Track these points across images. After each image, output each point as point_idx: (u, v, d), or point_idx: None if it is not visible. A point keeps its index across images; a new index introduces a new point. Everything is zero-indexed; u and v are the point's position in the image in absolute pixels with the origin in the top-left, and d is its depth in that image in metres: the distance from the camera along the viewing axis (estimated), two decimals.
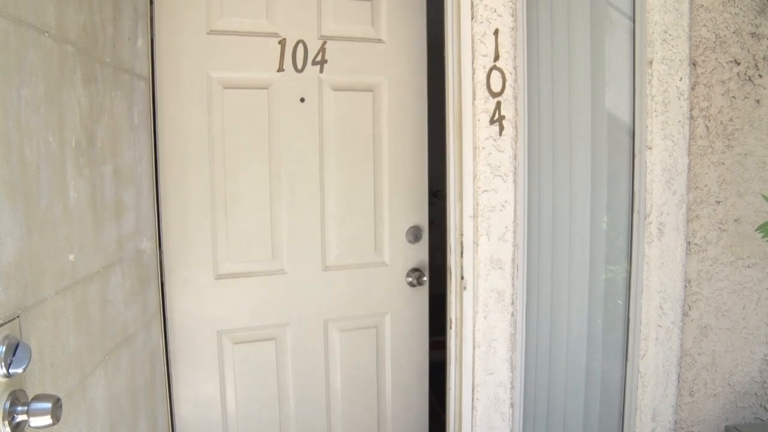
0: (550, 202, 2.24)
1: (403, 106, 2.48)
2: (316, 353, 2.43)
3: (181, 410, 2.23)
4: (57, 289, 1.19)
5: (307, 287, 2.39)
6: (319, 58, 2.34)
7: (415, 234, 2.53)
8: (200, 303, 2.23)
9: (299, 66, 2.31)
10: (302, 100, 2.32)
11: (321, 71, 2.34)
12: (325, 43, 2.35)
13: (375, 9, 2.42)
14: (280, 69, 2.28)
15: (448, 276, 2.15)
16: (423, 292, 2.59)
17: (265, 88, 2.27)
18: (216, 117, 2.20)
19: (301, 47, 2.31)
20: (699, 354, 2.23)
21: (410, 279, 2.53)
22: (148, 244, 1.88)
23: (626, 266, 2.25)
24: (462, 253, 2.08)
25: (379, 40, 2.43)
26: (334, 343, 2.46)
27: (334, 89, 2.37)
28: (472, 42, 2.02)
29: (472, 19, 2.01)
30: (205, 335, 2.24)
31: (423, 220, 2.56)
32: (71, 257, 1.27)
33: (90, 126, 1.41)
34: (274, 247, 2.32)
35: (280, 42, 2.28)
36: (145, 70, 1.87)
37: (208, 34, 2.18)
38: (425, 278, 2.55)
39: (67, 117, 1.28)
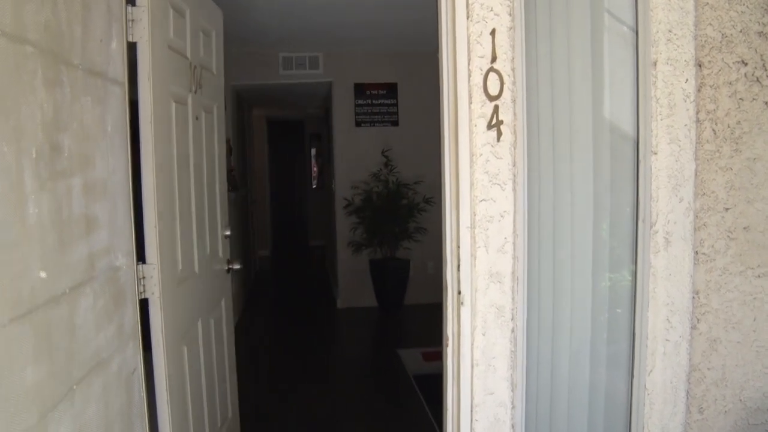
0: (551, 211, 2.13)
1: (220, 126, 2.95)
2: (207, 340, 2.69)
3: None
4: (12, 316, 1.07)
5: (203, 284, 2.64)
6: (200, 83, 2.62)
7: (229, 230, 3.05)
8: (175, 311, 2.23)
9: (195, 88, 2.54)
10: (197, 118, 2.56)
11: (201, 94, 2.63)
12: (201, 71, 2.65)
13: (211, 43, 2.83)
14: (190, 89, 2.48)
15: (444, 290, 2.03)
16: (230, 277, 3.10)
17: (186, 105, 2.42)
18: (172, 128, 2.25)
19: (195, 72, 2.56)
20: (708, 369, 2.12)
21: (227, 267, 3.01)
22: (124, 260, 1.76)
23: (631, 278, 2.15)
24: (459, 267, 1.96)
25: (212, 72, 2.84)
26: (211, 329, 2.75)
27: (204, 110, 2.68)
28: (468, 43, 1.92)
29: (467, 18, 1.90)
30: (177, 344, 2.25)
31: (227, 219, 3.09)
32: (31, 280, 1.15)
33: (55, 134, 1.29)
34: (193, 250, 2.49)
35: (190, 66, 2.48)
36: (120, 74, 1.75)
37: (168, 48, 2.21)
38: (234, 266, 3.06)
39: (27, 125, 1.16)
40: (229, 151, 6.06)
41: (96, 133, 1.53)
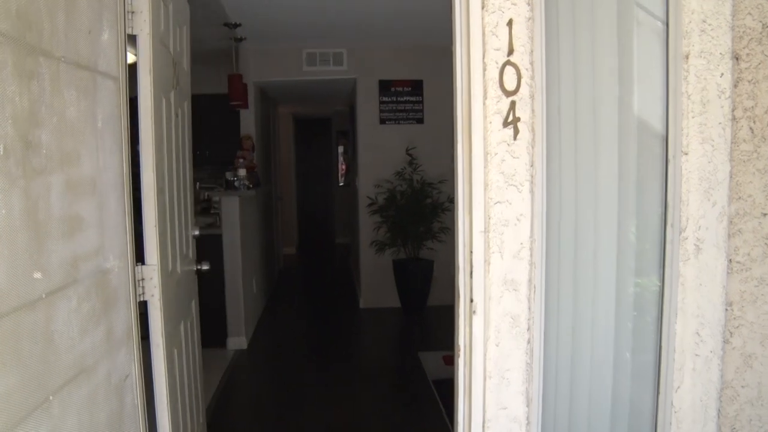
0: (572, 214, 1.99)
1: (188, 123, 2.77)
2: (186, 343, 2.58)
3: None
4: None
5: (183, 285, 2.53)
6: (178, 79, 2.52)
7: (197, 231, 2.84)
8: (170, 314, 2.17)
9: (175, 84, 2.43)
10: (176, 114, 2.47)
11: (179, 91, 2.51)
12: (179, 67, 2.54)
13: (183, 38, 2.67)
14: (173, 85, 2.39)
15: (456, 298, 1.91)
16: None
17: (170, 101, 2.35)
18: (164, 124, 2.18)
19: (176, 67, 2.47)
20: (742, 386, 1.97)
21: (197, 268, 2.85)
22: (117, 262, 1.68)
23: (658, 287, 2.00)
24: (472, 273, 1.84)
25: (184, 68, 2.70)
26: (188, 331, 2.63)
27: (179, 106, 2.56)
28: (483, 34, 1.79)
29: (482, 8, 1.78)
30: (169, 347, 2.18)
31: (194, 218, 2.90)
32: None
33: (30, 130, 1.21)
34: (176, 250, 2.38)
35: (172, 61, 2.39)
36: (114, 67, 1.67)
37: (160, 42, 2.12)
38: (203, 267, 2.87)
39: None
40: (252, 148, 6.01)
41: (82, 129, 1.45)
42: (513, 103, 1.80)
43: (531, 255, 1.85)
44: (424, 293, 6.29)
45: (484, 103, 1.80)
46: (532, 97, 1.82)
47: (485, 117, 1.80)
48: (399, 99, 6.40)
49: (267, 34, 5.75)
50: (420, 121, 6.45)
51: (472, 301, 1.85)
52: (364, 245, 6.53)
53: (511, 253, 1.84)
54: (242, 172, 5.35)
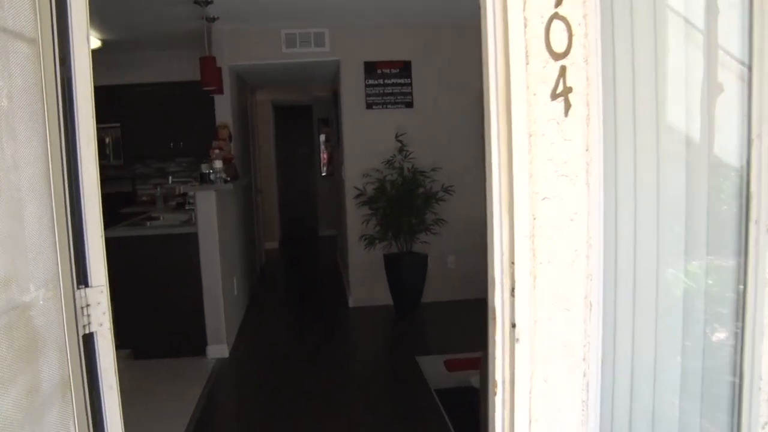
0: (630, 212, 1.59)
1: None
2: None
3: None
4: None
5: None
6: None
7: None
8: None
9: None
10: None
11: None
12: None
13: None
14: None
15: (490, 322, 1.50)
16: None
17: None
18: None
19: None
20: None
21: None
22: (41, 292, 1.24)
23: (737, 299, 1.61)
24: (513, 290, 1.43)
25: None
26: None
27: None
28: None
29: None
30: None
31: None
32: None
33: None
34: None
35: None
36: (29, 26, 1.22)
37: None
38: None
39: None
40: (229, 138, 5.54)
41: None
42: (563, 69, 1.39)
43: (588, 264, 1.45)
44: (418, 290, 5.87)
45: (526, 70, 1.38)
46: (586, 60, 1.40)
47: (528, 87, 1.38)
48: (386, 81, 5.95)
49: (242, 13, 5.27)
50: (409, 105, 6.01)
51: (514, 326, 1.44)
52: (352, 240, 6.10)
53: (563, 263, 1.43)
54: (218, 164, 4.88)
